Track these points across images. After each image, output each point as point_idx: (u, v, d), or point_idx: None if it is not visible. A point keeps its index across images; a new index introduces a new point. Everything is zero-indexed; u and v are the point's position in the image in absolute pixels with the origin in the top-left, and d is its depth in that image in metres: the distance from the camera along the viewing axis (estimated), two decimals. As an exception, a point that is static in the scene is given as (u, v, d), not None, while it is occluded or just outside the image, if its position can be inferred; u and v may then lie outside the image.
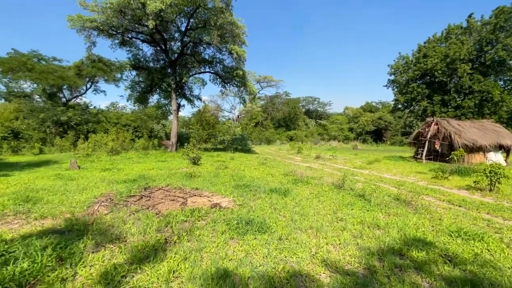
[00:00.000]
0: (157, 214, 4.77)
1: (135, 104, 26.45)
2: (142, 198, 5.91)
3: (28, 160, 15.47)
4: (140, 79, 23.15)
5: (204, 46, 21.04)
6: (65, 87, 31.72)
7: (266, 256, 3.28)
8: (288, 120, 62.73)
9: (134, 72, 23.13)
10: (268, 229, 4.11)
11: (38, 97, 32.97)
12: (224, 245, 3.55)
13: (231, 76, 21.34)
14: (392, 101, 37.03)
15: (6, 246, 3.16)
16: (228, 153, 21.58)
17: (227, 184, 7.76)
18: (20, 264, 2.71)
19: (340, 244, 3.75)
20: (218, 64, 22.14)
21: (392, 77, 35.40)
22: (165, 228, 4.11)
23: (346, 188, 7.52)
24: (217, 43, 18.01)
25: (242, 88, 22.59)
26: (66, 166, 11.79)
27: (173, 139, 20.98)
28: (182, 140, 25.22)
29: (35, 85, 31.52)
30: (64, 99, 32.41)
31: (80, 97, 34.92)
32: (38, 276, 2.58)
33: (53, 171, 10.26)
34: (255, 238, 3.80)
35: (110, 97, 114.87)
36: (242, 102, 25.33)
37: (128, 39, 19.93)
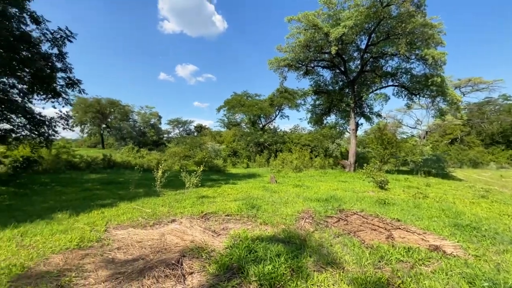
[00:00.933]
0: (362, 243, 4.46)
1: (313, 126, 28.71)
2: (339, 220, 5.87)
3: (241, 172, 20.74)
4: (320, 102, 24.97)
5: (387, 58, 19.36)
6: (262, 115, 40.50)
7: None
8: (511, 134, 43.45)
9: (314, 97, 25.37)
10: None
11: (244, 124, 44.39)
12: (477, 315, 2.58)
13: (422, 86, 17.98)
14: None
15: (252, 245, 4.03)
16: (417, 177, 17.95)
17: (437, 220, 6.15)
18: (266, 266, 3.29)
19: None
20: (404, 75, 19.44)
21: None
22: (379, 263, 3.68)
23: None
24: (405, 52, 15.91)
25: (438, 98, 18.33)
26: (266, 179, 14.51)
27: (351, 158, 20.46)
28: (358, 159, 24.11)
29: (242, 116, 42.80)
30: (261, 125, 41.34)
31: (271, 122, 43.20)
32: (282, 282, 2.98)
33: (259, 183, 12.88)
34: (535, 324, 2.48)
35: (292, 120, 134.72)
36: (438, 114, 20.44)
37: (311, 68, 22.29)
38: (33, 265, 3.39)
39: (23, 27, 10.21)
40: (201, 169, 8.77)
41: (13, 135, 11.43)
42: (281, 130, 43.10)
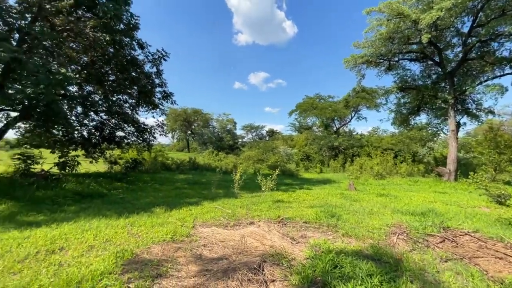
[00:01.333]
0: (484, 274, 3.47)
1: (398, 127, 25.30)
2: (444, 241, 4.81)
3: (315, 177, 19.97)
4: (406, 100, 21.83)
5: (502, 40, 15.39)
6: (335, 118, 38.35)
7: None
8: None
9: (398, 94, 22.37)
10: None
11: (316, 128, 42.86)
12: None
13: None
14: None
15: (337, 259, 3.65)
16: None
17: None
18: (356, 286, 2.89)
19: None
20: (530, 59, 15.04)
21: None
22: (517, 307, 2.77)
23: None
24: (532, 29, 12.29)
25: None
26: (343, 186, 13.48)
27: (451, 165, 17.01)
28: (459, 167, 19.87)
29: (314, 119, 41.38)
30: (334, 128, 39.18)
31: (346, 125, 40.43)
32: (379, 310, 2.54)
33: (336, 190, 12.04)
34: None
35: (370, 122, 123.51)
36: None
37: (394, 62, 19.80)
38: (139, 252, 3.93)
39: (133, 52, 12.51)
40: (276, 173, 8.76)
41: (125, 140, 14.09)
42: (357, 133, 39.84)
